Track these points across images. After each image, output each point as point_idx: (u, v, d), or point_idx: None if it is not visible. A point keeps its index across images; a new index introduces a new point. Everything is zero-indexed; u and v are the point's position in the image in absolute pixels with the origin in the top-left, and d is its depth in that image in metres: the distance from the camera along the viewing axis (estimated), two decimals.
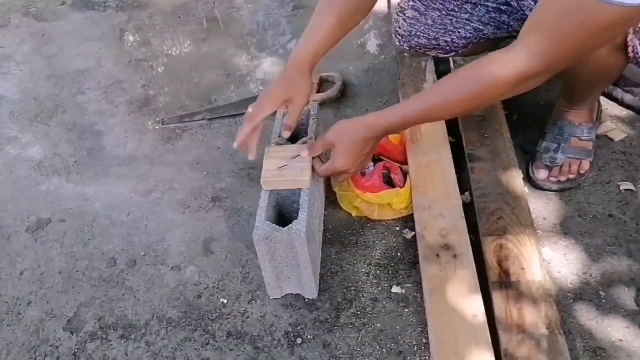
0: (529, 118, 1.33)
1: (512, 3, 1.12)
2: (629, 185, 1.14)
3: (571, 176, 1.15)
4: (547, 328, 0.89)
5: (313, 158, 1.04)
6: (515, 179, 1.15)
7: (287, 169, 1.02)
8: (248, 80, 1.66)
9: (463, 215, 1.10)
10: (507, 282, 0.97)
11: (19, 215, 1.31)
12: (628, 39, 0.93)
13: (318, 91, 1.54)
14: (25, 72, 1.81)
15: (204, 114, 1.56)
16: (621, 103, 1.32)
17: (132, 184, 1.37)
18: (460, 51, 1.25)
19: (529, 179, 1.19)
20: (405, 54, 1.49)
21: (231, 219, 1.24)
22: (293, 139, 1.12)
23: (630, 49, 0.94)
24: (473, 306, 0.95)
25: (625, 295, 0.97)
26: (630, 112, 1.30)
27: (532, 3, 1.09)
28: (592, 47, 0.81)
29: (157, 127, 1.54)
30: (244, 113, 1.51)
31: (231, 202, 1.29)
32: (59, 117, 1.62)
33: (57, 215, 1.30)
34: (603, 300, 0.97)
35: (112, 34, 1.94)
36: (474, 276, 0.99)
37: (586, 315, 0.96)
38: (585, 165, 1.15)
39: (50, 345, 1.04)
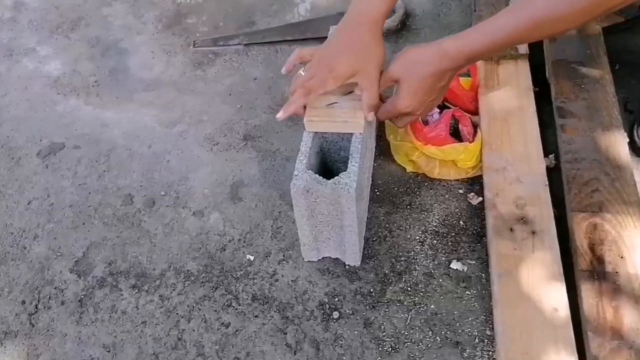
0: (636, 69, 1.08)
1: None
2: None
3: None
4: None
5: None
6: (618, 144, 0.92)
7: (337, 107, 0.83)
8: (294, 1, 1.43)
9: (547, 182, 0.90)
10: (600, 273, 0.78)
11: (31, 137, 1.18)
12: None
13: None
14: None
15: (241, 38, 1.36)
16: None
17: (156, 112, 1.21)
18: None
19: (632, 145, 0.96)
20: None
21: (264, 162, 1.07)
22: None
23: None
24: (554, 297, 0.77)
25: None
26: None
27: None
28: None
29: (188, 49, 1.35)
30: (287, 40, 1.34)
31: (265, 142, 1.11)
32: (82, 30, 1.45)
33: (72, 141, 1.16)
34: None
35: None
36: (558, 260, 0.81)
37: None
38: None
39: (55, 288, 0.92)
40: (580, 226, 0.83)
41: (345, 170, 0.77)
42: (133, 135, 1.16)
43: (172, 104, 1.23)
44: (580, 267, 0.79)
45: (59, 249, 0.97)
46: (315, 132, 0.84)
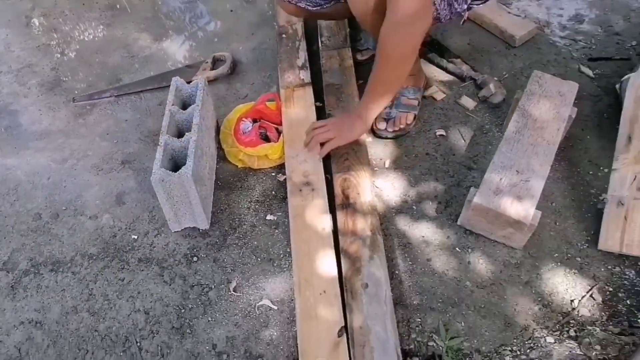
0: None
1: None
2: (442, 132, 1.54)
3: (401, 126, 1.52)
4: (370, 231, 1.27)
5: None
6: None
7: None
8: (150, 60, 1.89)
9: (321, 160, 1.45)
10: (347, 204, 1.33)
11: None
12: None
13: (212, 69, 1.82)
14: None
15: (111, 92, 1.78)
16: (445, 70, 1.71)
17: (49, 154, 1.59)
18: (325, 6, 1.51)
19: (372, 130, 1.56)
20: (284, 36, 1.81)
21: (139, 176, 1.51)
22: (184, 107, 1.40)
23: (434, 9, 1.26)
24: (323, 222, 1.30)
25: (429, 208, 1.37)
26: (451, 77, 1.70)
27: None
28: None
29: (68, 105, 1.75)
30: (148, 89, 1.79)
31: (139, 163, 1.55)
32: None
33: None
34: (414, 212, 1.36)
35: (18, 20, 2.08)
36: (326, 203, 1.34)
37: (402, 223, 1.34)
38: (410, 117, 1.53)
39: None
40: (337, 181, 1.39)
41: (185, 165, 1.24)
42: (34, 172, 1.53)
43: (62, 146, 1.62)
44: (337, 203, 1.34)
45: None
46: (165, 143, 1.30)
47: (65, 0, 2.16)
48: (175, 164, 1.35)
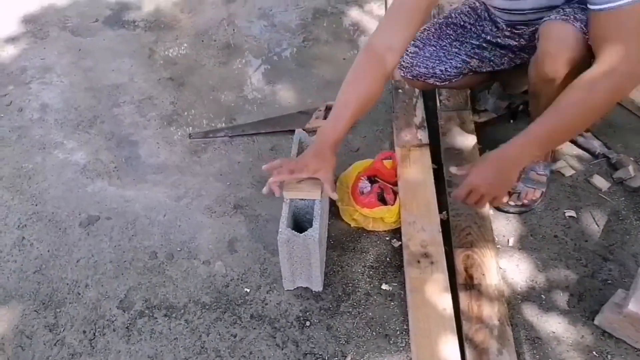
0: None
1: (491, 41, 1.46)
2: (572, 213, 1.43)
3: (526, 202, 1.43)
4: (498, 320, 1.18)
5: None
6: None
7: (303, 183, 1.29)
8: (263, 102, 1.92)
9: (440, 230, 1.38)
10: (471, 285, 1.25)
11: (72, 212, 1.56)
12: None
13: (324, 117, 1.81)
14: (65, 83, 2.04)
15: (225, 132, 1.82)
16: (574, 143, 1.61)
17: (165, 189, 1.63)
18: (453, 80, 1.54)
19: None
20: (400, 90, 1.78)
21: (251, 223, 1.51)
22: None
23: None
24: (444, 302, 1.23)
25: (561, 299, 1.26)
26: (581, 151, 1.59)
27: (511, 43, 1.44)
28: None
29: (184, 140, 1.79)
30: (261, 133, 1.81)
31: (250, 209, 1.55)
32: (98, 127, 1.86)
33: (105, 214, 1.55)
34: (544, 302, 1.26)
35: (142, 52, 2.19)
36: (446, 279, 1.27)
37: (530, 313, 1.24)
38: (538, 193, 1.44)
39: (106, 320, 1.29)
40: (459, 257, 1.31)
41: (311, 227, 1.22)
42: (150, 208, 1.57)
43: (177, 182, 1.65)
44: (459, 282, 1.26)
45: (106, 292, 1.35)
46: (290, 200, 1.29)
47: (185, 36, 2.25)
48: (296, 221, 1.33)
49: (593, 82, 1.03)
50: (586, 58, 1.12)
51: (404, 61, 1.53)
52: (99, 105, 1.95)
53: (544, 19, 1.18)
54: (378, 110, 1.85)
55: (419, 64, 1.52)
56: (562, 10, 1.15)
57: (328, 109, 1.86)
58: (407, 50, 1.51)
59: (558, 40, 1.13)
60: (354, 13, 2.31)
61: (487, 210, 1.42)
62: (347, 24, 2.26)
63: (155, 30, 2.30)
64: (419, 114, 1.72)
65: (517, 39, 1.43)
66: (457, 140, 1.61)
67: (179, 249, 1.45)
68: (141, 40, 2.25)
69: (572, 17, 1.12)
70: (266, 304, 1.30)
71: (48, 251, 1.46)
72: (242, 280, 1.36)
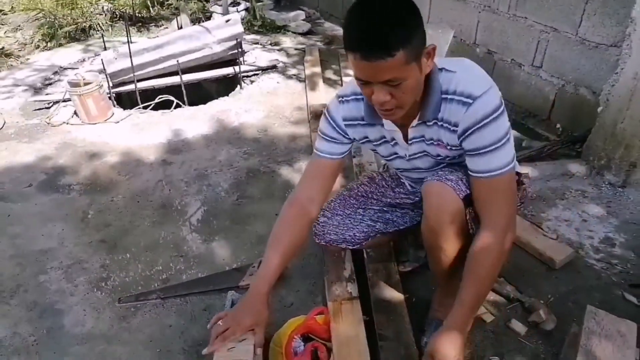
0: (425, 300, 1.71)
1: (391, 203, 1.66)
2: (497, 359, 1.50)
3: None
4: None
5: None
6: (414, 356, 1.47)
7: (234, 350, 1.29)
8: (198, 261, 1.95)
9: None
10: None
11: None
12: (467, 218, 1.34)
13: None
14: None
15: (157, 293, 1.80)
16: (491, 289, 1.74)
17: None
18: (363, 243, 1.69)
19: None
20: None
21: None
22: None
23: (469, 226, 1.34)
24: None
25: None
26: (498, 297, 1.72)
27: (408, 201, 1.63)
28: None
29: (114, 306, 1.75)
30: (194, 293, 1.81)
31: None
32: (20, 296, 1.78)
33: None
34: None
35: (75, 215, 2.21)
36: None
37: None
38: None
39: None
40: None
41: None
42: None
43: (103, 354, 1.57)
44: None
45: None
46: None
47: (121, 198, 2.32)
48: None
49: (486, 251, 1.26)
50: (462, 211, 1.31)
51: (316, 229, 1.69)
52: (23, 273, 1.89)
53: (424, 180, 1.38)
54: (310, 263, 1.93)
55: (329, 231, 1.68)
56: (436, 173, 1.36)
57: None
58: (318, 220, 1.67)
59: (439, 197, 1.31)
60: (285, 171, 2.51)
61: None
62: (279, 181, 2.44)
63: (90, 194, 2.35)
64: (348, 267, 1.81)
65: (412, 198, 1.63)
66: (385, 292, 1.70)
67: None
68: (75, 203, 2.28)
69: (444, 178, 1.32)
70: None
71: None
72: None
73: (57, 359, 1.55)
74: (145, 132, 2.81)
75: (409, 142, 1.38)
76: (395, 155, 1.46)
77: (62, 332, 1.64)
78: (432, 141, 1.34)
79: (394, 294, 1.68)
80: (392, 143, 1.42)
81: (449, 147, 1.32)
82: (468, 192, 1.30)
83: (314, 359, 1.47)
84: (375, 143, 1.45)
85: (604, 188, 2.25)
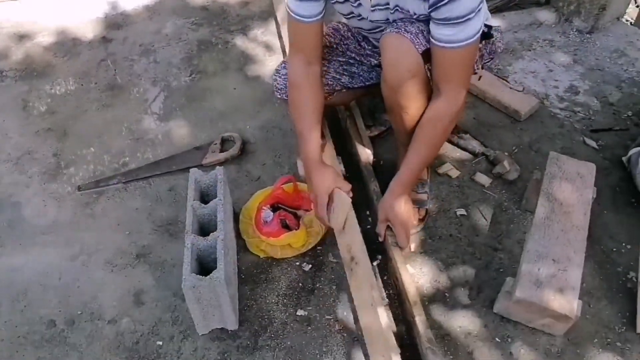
0: (392, 162, 1.70)
1: (356, 58, 1.55)
2: (463, 211, 1.54)
3: (415, 223, 1.50)
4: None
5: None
6: None
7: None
8: (156, 143, 1.86)
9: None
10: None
11: None
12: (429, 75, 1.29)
13: (221, 150, 1.80)
14: None
15: (118, 178, 1.73)
16: (456, 145, 1.74)
17: (58, 250, 1.51)
18: (328, 98, 1.56)
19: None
20: None
21: (157, 271, 1.45)
22: (205, 202, 1.36)
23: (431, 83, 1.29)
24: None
25: (462, 294, 1.35)
26: (463, 153, 1.73)
27: (373, 60, 1.53)
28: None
29: (74, 194, 1.68)
30: (157, 174, 1.75)
31: (155, 256, 1.49)
32: None
33: None
34: (448, 300, 1.35)
35: (15, 104, 2.03)
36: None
37: (437, 312, 1.32)
38: (422, 212, 1.52)
39: None
40: None
41: (216, 268, 1.20)
42: (42, 273, 1.45)
43: (71, 240, 1.54)
44: None
45: None
46: (191, 244, 1.25)
47: (63, 82, 2.13)
48: (201, 263, 1.30)
49: (438, 118, 1.26)
50: (422, 66, 1.23)
51: (277, 83, 1.56)
52: None
53: (383, 33, 1.28)
54: (274, 135, 1.87)
55: None
56: (395, 24, 1.25)
57: (224, 141, 1.85)
58: (279, 73, 1.55)
59: (397, 51, 1.22)
60: (239, 41, 2.32)
61: None
62: (233, 53, 2.26)
63: (27, 79, 2.14)
64: None
65: (377, 58, 1.51)
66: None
67: (79, 312, 1.35)
68: (12, 91, 2.09)
69: (403, 29, 1.21)
70: (181, 354, 1.26)
71: None
72: (153, 333, 1.30)
73: (23, 248, 1.52)
74: (77, 7, 2.50)
75: (372, 8, 1.25)
76: (355, 15, 1.33)
77: (24, 224, 1.59)
78: (397, 8, 1.22)
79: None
80: (355, 4, 1.28)
81: (415, 16, 1.20)
82: (428, 46, 1.20)
83: (283, 226, 1.48)
84: None
85: (572, 35, 2.18)
